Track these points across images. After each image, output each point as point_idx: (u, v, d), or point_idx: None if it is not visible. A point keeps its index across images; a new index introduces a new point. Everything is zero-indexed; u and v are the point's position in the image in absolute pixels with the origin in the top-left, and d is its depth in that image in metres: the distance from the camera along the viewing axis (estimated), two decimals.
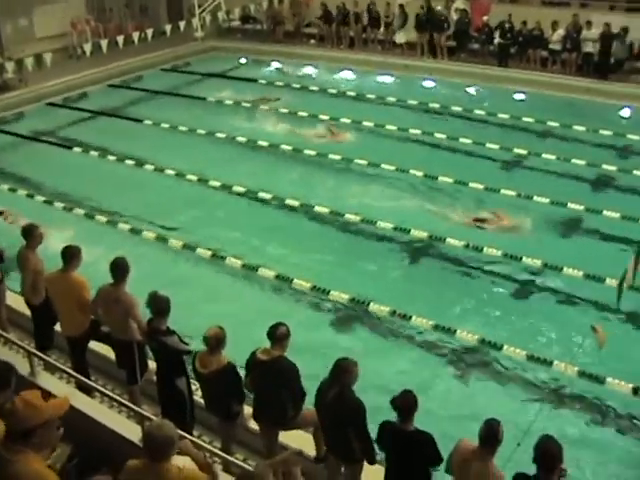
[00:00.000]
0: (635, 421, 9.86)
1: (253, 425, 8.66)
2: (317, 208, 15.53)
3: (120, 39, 27.99)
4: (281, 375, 7.87)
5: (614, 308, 11.11)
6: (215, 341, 7.91)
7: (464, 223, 15.03)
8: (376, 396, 8.10)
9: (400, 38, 27.73)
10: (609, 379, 10.25)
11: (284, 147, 19.19)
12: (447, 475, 6.89)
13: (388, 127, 20.48)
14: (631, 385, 10.11)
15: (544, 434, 6.36)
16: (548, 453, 6.11)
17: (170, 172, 17.75)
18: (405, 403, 6.85)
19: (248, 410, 8.51)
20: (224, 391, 8.16)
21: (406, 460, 6.93)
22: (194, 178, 17.23)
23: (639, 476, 8.58)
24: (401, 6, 27.51)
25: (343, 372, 7.26)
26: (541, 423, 8.65)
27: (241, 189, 16.57)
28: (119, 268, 8.94)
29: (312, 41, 30.29)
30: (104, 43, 27.68)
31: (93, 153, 19.23)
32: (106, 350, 9.84)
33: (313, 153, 18.75)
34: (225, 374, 7.99)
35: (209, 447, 7.44)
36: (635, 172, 17.40)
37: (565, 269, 12.92)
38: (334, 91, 24.52)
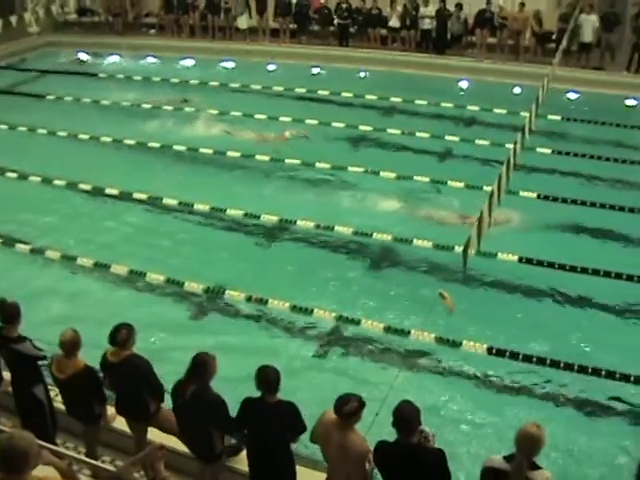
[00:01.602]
0: (491, 379, 10.26)
1: (117, 425, 8.54)
2: (165, 200, 15.32)
3: None
4: (135, 374, 7.77)
5: (461, 274, 11.49)
6: (71, 345, 7.72)
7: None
8: (238, 386, 8.10)
9: (242, 24, 27.68)
10: (464, 342, 10.58)
11: (128, 142, 18.77)
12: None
13: (233, 113, 20.44)
14: (485, 345, 10.49)
15: (403, 399, 6.52)
16: (403, 416, 6.28)
17: (11, 175, 17.05)
18: (266, 377, 6.91)
19: (111, 410, 8.38)
20: (84, 394, 7.98)
21: (269, 431, 6.97)
22: (37, 179, 16.65)
23: (498, 435, 8.90)
24: None
25: (202, 367, 7.20)
26: (400, 392, 8.86)
27: (87, 187, 16.13)
28: None
29: (152, 31, 29.81)
30: None
31: None
32: None
33: (157, 145, 18.48)
34: (83, 377, 7.82)
35: (73, 454, 7.31)
36: (477, 141, 18.05)
37: (415, 241, 13.26)
38: (177, 80, 24.20)
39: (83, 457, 7.46)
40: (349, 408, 6.52)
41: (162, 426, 8.10)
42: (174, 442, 7.84)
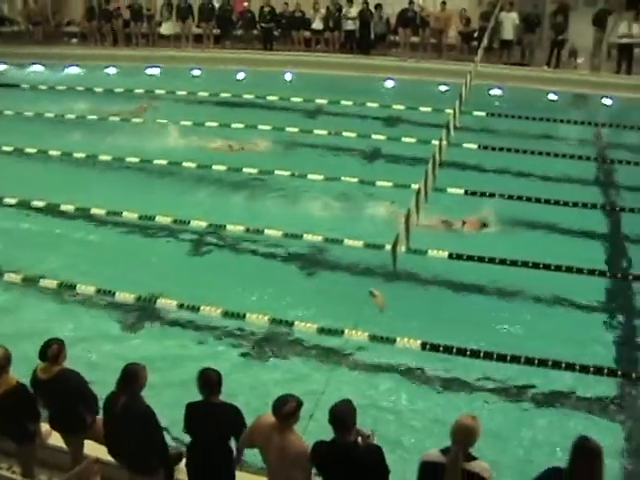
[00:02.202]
0: (426, 374, 10.31)
1: (52, 441, 8.36)
2: (93, 210, 15.02)
3: None
4: (68, 388, 7.61)
5: (391, 271, 11.53)
6: (3, 362, 7.55)
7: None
8: (174, 393, 8.05)
9: (167, 29, 27.53)
10: (398, 338, 10.57)
11: (52, 153, 18.42)
12: None
13: (159, 121, 20.27)
14: (419, 341, 10.50)
15: (342, 399, 6.52)
16: (339, 415, 6.31)
17: None
18: (208, 379, 6.93)
19: (45, 427, 8.20)
20: (17, 412, 7.73)
21: (212, 431, 6.97)
22: None
23: (436, 429, 8.95)
24: None
25: (132, 377, 7.09)
26: (336, 391, 8.86)
27: (12, 200, 15.71)
28: None
29: (74, 40, 29.43)
30: None
31: None
32: None
33: (83, 155, 18.18)
34: (15, 395, 7.58)
35: (7, 474, 7.14)
36: (403, 139, 18.20)
37: (345, 241, 13.25)
38: (100, 90, 23.88)
39: (18, 477, 7.30)
40: (288, 408, 6.52)
41: (98, 437, 7.96)
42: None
